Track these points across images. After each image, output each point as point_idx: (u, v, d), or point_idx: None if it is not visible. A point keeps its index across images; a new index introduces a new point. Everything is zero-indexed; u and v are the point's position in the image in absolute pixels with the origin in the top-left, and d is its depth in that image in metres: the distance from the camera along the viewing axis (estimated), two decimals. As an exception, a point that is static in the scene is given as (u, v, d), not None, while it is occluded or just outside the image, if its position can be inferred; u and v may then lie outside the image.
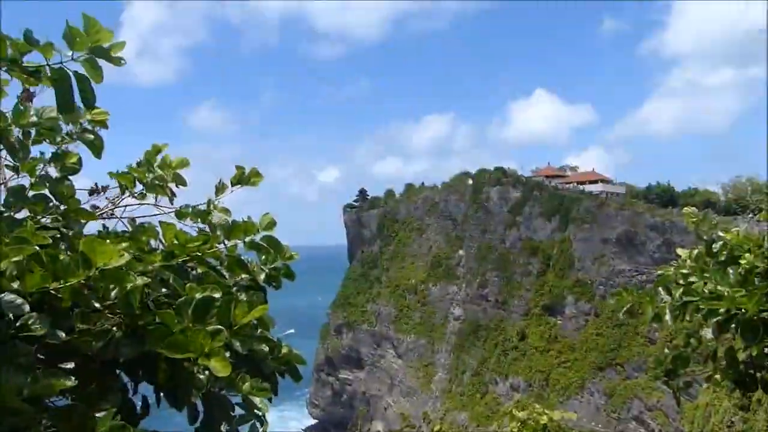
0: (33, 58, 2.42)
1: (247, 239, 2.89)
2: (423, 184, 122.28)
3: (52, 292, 2.08)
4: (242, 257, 2.99)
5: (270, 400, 2.49)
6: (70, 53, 2.33)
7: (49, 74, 2.38)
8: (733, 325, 3.95)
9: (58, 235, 2.56)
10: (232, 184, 3.27)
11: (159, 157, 3.17)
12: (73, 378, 1.94)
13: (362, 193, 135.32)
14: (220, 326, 2.22)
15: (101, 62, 2.40)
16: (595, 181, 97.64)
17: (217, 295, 2.38)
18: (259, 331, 2.52)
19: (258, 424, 2.43)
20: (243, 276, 2.99)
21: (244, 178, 3.26)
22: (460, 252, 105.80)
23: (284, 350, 2.82)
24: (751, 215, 67.57)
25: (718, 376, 4.37)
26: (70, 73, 2.38)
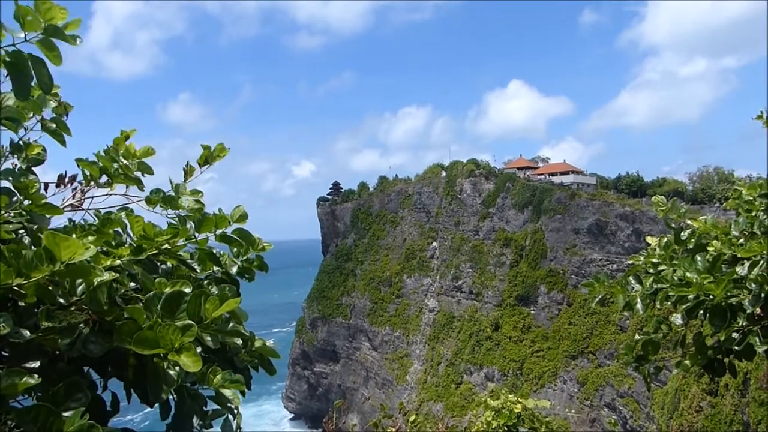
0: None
1: (219, 232, 2.83)
2: (396, 176, 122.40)
3: (16, 288, 2.01)
4: (215, 250, 2.94)
5: (243, 394, 2.46)
6: (23, 35, 2.22)
7: (4, 57, 2.28)
8: (701, 311, 4.02)
9: (22, 230, 2.48)
10: (200, 165, 3.18)
11: (126, 143, 3.07)
12: (37, 377, 1.88)
13: (336, 186, 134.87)
14: (190, 321, 2.17)
15: (61, 44, 2.29)
16: (566, 173, 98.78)
17: (187, 290, 2.33)
18: (231, 325, 2.47)
19: (231, 417, 2.39)
20: (215, 269, 2.94)
21: (210, 156, 3.16)
22: (434, 244, 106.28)
23: (257, 344, 2.78)
24: (717, 204, 69.17)
25: (687, 362, 4.44)
26: (26, 57, 2.27)
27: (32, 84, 2.32)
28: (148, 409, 2.32)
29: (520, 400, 7.31)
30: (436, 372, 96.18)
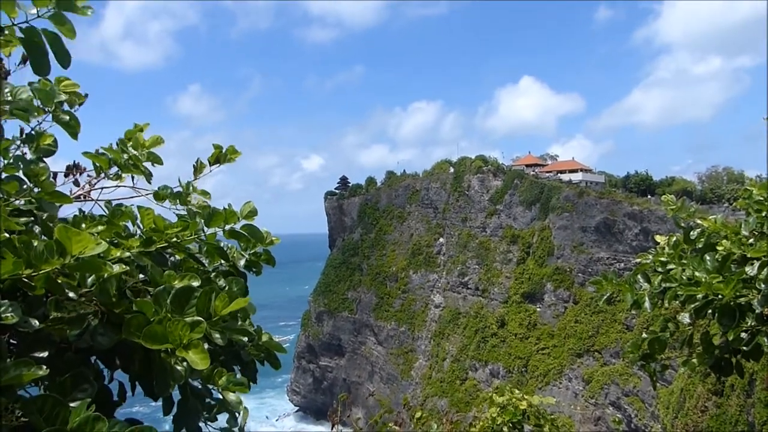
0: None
1: (227, 227, 2.83)
2: (404, 171, 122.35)
3: (25, 279, 2.01)
4: (222, 243, 2.94)
5: (249, 387, 2.46)
6: (35, 11, 2.22)
7: (18, 34, 2.28)
8: (710, 311, 4.00)
9: (32, 219, 2.48)
10: (211, 164, 3.19)
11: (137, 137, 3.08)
12: (45, 367, 1.88)
13: (343, 180, 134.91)
14: (199, 317, 2.17)
15: (70, 16, 2.29)
16: (574, 170, 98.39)
17: (196, 284, 2.33)
18: (239, 322, 2.47)
19: (234, 417, 2.39)
20: (223, 262, 2.94)
21: (222, 156, 3.16)
22: (441, 240, 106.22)
23: (264, 338, 2.78)
24: (726, 204, 68.77)
25: (694, 361, 4.42)
26: (40, 32, 2.28)
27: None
28: (156, 403, 2.32)
29: (526, 397, 7.30)
30: (441, 368, 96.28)
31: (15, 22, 2.24)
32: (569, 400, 76.43)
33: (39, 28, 2.26)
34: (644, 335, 4.68)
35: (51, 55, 2.35)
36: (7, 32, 2.30)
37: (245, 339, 2.50)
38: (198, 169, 3.17)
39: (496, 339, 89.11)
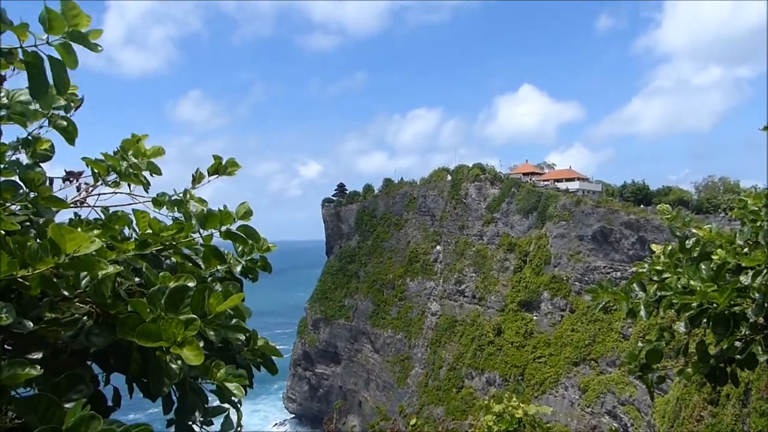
0: (6, 41, 2.33)
1: (223, 229, 2.83)
2: (402, 179, 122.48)
3: (20, 279, 2.02)
4: (219, 249, 2.94)
5: (245, 392, 2.46)
6: (45, 36, 2.24)
7: (22, 57, 2.30)
8: (704, 320, 4.02)
9: (28, 223, 2.49)
10: (210, 174, 3.20)
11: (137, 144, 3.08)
12: (39, 367, 1.88)
13: (341, 187, 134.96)
14: (193, 315, 2.17)
15: (78, 47, 2.32)
16: (571, 179, 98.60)
17: (191, 284, 2.33)
18: (234, 320, 2.48)
19: (233, 411, 2.39)
20: (219, 267, 2.94)
21: (221, 168, 3.18)
22: (438, 247, 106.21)
23: (260, 342, 2.78)
24: (722, 214, 69.00)
25: (689, 370, 4.43)
26: (44, 57, 2.30)
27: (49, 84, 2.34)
28: (151, 410, 2.32)
29: (522, 405, 7.30)
30: (437, 376, 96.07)
31: (22, 45, 2.26)
32: (565, 409, 76.29)
33: (44, 54, 2.28)
34: (640, 345, 4.68)
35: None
36: (12, 55, 2.32)
37: (241, 338, 2.51)
38: (196, 179, 3.18)
39: (492, 347, 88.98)
